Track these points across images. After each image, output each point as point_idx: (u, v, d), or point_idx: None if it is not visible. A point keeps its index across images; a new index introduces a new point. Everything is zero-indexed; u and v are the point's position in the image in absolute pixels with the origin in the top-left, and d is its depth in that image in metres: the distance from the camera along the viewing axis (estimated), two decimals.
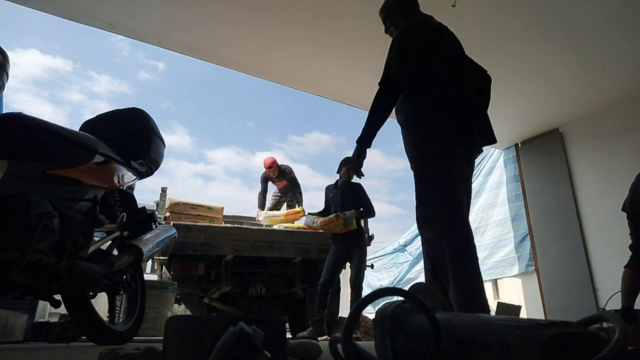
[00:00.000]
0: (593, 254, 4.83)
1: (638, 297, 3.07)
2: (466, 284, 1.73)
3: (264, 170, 5.59)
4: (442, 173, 1.89)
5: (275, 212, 5.16)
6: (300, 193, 5.59)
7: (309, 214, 4.36)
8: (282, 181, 5.62)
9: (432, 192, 1.91)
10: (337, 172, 4.26)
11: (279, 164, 5.56)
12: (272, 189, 5.82)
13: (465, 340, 0.73)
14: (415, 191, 1.99)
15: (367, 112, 2.04)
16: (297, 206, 5.52)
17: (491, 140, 2.13)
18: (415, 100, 2.02)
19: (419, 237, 7.72)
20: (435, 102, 1.96)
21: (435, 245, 1.83)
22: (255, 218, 5.54)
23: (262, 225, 5.01)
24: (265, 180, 5.70)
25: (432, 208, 1.89)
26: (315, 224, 4.12)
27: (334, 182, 4.33)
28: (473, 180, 6.89)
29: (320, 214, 4.27)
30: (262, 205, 5.67)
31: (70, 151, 1.56)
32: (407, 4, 2.33)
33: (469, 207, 2.05)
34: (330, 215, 4.01)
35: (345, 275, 4.31)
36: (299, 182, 5.68)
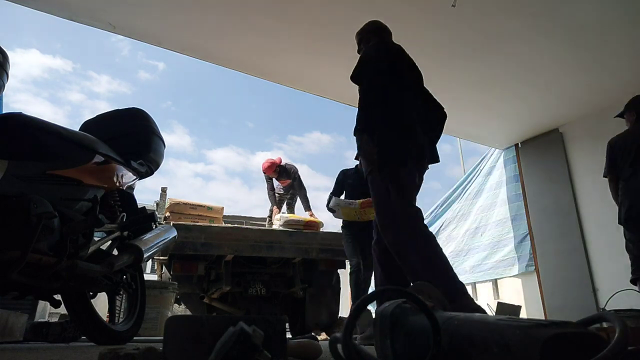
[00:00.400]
0: (593, 254, 4.83)
1: (638, 297, 3.07)
2: (434, 278, 1.85)
3: None
4: (398, 183, 2.06)
5: (295, 219, 4.75)
6: (306, 196, 5.43)
7: (333, 196, 3.97)
8: (286, 180, 5.57)
9: (390, 200, 2.06)
10: (356, 158, 4.13)
11: (282, 164, 5.47)
12: (275, 184, 5.77)
13: (465, 340, 0.73)
14: (373, 200, 2.17)
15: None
16: (294, 209, 5.45)
17: (436, 160, 2.35)
18: (375, 111, 2.17)
19: None
20: (392, 119, 2.13)
21: (399, 248, 2.00)
22: (265, 220, 5.45)
23: (264, 225, 5.00)
24: (269, 178, 5.65)
25: (392, 215, 2.05)
26: (353, 205, 3.70)
27: (353, 167, 4.14)
28: (472, 180, 6.95)
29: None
30: (275, 202, 5.59)
31: (70, 151, 1.56)
32: (382, 33, 2.55)
33: None
34: None
35: (345, 274, 4.29)
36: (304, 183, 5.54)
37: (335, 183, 4.16)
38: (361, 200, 3.69)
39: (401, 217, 2.02)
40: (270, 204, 5.72)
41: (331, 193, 4.06)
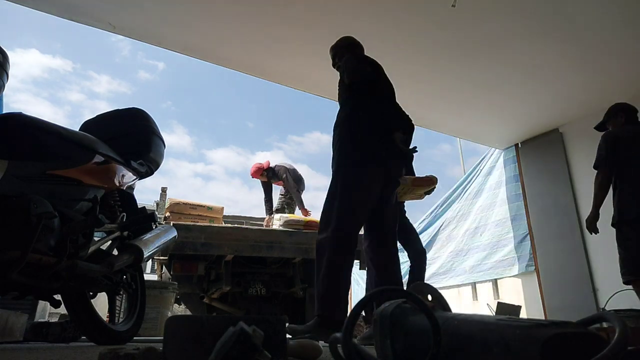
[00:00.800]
0: (593, 254, 4.83)
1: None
2: (328, 287, 2.00)
3: None
4: (346, 187, 2.17)
5: (295, 219, 4.64)
6: (296, 195, 5.32)
7: None
8: (279, 182, 5.55)
9: (333, 201, 2.18)
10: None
11: (272, 167, 5.41)
12: (278, 188, 5.75)
13: (465, 340, 0.73)
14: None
15: None
16: (294, 209, 5.40)
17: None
18: (348, 114, 2.32)
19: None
20: (362, 126, 2.24)
21: (319, 246, 2.11)
22: (264, 221, 5.43)
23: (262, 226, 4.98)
24: (264, 183, 5.61)
25: (327, 214, 2.17)
26: (403, 182, 3.08)
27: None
28: (472, 180, 6.92)
29: None
30: (269, 211, 5.52)
31: (70, 151, 1.56)
32: (354, 48, 2.69)
33: (390, 223, 2.37)
34: (430, 174, 3.31)
35: None
36: (295, 182, 5.40)
37: None
38: (411, 177, 3.22)
39: (333, 221, 2.11)
40: (272, 208, 5.65)
41: None
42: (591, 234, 3.15)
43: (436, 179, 3.35)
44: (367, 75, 2.34)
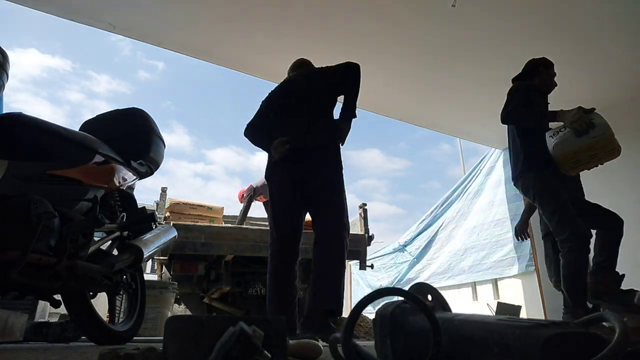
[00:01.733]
0: (592, 254, 4.82)
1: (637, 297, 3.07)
2: (268, 294, 2.40)
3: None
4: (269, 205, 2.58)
5: None
6: (241, 211, 5.52)
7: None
8: (259, 197, 5.66)
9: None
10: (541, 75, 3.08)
11: (243, 193, 5.60)
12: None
13: (465, 340, 0.73)
14: None
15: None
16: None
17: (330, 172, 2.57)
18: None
19: (419, 237, 7.67)
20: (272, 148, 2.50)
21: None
22: (265, 220, 5.53)
23: (264, 225, 4.97)
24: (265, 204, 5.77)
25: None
26: (605, 134, 2.59)
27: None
28: (472, 180, 6.94)
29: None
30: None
31: (70, 151, 1.57)
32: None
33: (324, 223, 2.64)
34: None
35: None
36: (249, 201, 5.58)
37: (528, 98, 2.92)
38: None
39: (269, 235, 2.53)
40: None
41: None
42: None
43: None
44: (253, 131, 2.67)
